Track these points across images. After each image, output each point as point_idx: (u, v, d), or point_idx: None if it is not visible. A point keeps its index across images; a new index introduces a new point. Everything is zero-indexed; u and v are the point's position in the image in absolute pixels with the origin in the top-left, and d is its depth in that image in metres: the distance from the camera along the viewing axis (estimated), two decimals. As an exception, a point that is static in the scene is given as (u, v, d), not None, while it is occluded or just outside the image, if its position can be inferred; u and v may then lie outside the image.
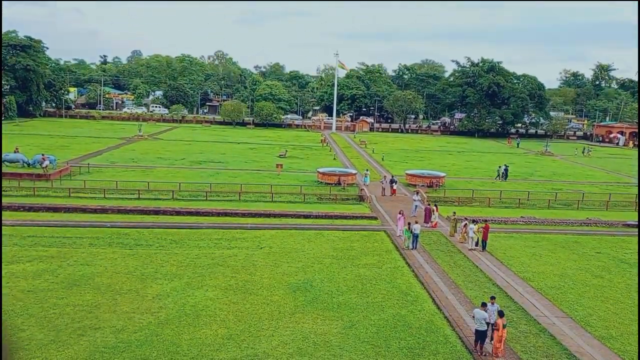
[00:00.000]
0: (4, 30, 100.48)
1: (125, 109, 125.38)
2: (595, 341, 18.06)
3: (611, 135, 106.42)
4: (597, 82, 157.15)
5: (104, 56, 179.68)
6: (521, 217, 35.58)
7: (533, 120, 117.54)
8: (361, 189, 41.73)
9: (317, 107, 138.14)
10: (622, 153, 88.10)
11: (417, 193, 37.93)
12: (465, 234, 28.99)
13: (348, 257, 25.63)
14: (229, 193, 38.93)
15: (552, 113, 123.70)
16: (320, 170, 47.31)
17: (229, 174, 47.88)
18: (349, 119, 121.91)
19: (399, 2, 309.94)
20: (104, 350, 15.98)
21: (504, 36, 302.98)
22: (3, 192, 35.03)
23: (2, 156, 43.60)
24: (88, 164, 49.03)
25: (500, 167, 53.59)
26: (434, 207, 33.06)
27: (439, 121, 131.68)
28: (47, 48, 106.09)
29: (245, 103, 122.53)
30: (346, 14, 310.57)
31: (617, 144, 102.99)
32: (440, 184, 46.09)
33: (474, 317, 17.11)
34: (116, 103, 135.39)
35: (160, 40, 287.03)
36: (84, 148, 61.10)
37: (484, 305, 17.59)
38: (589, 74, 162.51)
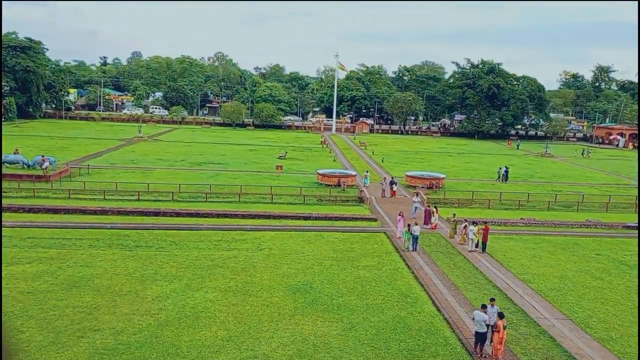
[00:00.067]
0: (4, 31, 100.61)
1: (125, 111, 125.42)
2: (595, 343, 18.05)
3: (611, 137, 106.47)
4: (597, 84, 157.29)
5: (104, 57, 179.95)
6: (521, 218, 35.58)
7: (533, 122, 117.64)
8: (361, 191, 41.73)
9: (317, 109, 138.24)
10: (621, 155, 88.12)
11: (417, 194, 37.93)
12: (465, 236, 28.99)
13: (348, 259, 25.62)
14: (228, 194, 38.93)
15: (552, 115, 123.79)
16: (320, 171, 47.32)
17: (229, 176, 47.88)
18: (349, 121, 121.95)
19: (399, 2, 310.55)
20: (104, 352, 15.97)
21: (504, 37, 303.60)
22: (3, 194, 35.03)
23: (2, 157, 43.58)
24: (88, 165, 49.03)
25: (500, 168, 53.61)
26: (434, 209, 33.06)
27: (438, 123, 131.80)
28: (47, 49, 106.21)
29: (245, 104, 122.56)
30: (346, 15, 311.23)
31: (617, 145, 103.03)
32: (440, 186, 46.10)
33: (473, 319, 17.10)
34: (116, 104, 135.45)
35: (160, 41, 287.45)
36: (83, 149, 61.11)
37: (483, 307, 17.58)
38: (588, 76, 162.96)
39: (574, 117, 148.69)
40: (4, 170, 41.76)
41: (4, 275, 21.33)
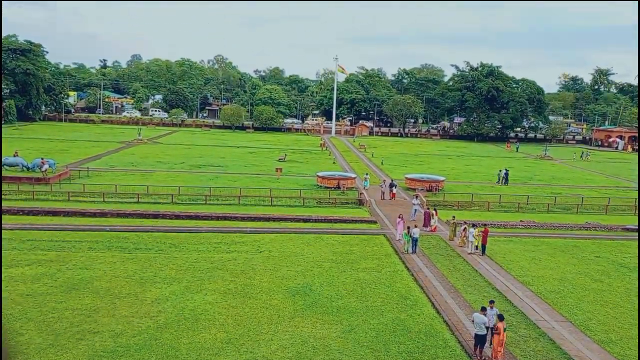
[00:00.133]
0: (3, 34, 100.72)
1: (124, 113, 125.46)
2: (595, 345, 18.04)
3: (610, 140, 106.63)
4: (596, 87, 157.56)
5: (104, 60, 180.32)
6: (520, 221, 35.59)
7: (532, 125, 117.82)
8: (360, 193, 41.74)
9: (317, 111, 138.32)
10: (621, 157, 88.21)
11: (417, 197, 37.94)
12: (464, 238, 28.98)
13: (347, 261, 25.61)
14: (228, 197, 38.93)
15: (551, 117, 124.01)
16: (320, 174, 47.32)
17: (229, 178, 47.88)
18: (349, 123, 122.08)
19: (399, 3, 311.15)
20: (103, 355, 15.95)
21: (503, 40, 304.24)
22: (2, 196, 35.01)
23: (2, 160, 43.58)
24: (87, 167, 49.03)
25: (500, 171, 53.64)
26: (434, 211, 33.06)
27: (438, 125, 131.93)
28: (47, 52, 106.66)
29: (245, 107, 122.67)
30: (346, 16, 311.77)
31: (616, 148, 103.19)
32: (440, 188, 46.12)
33: (473, 321, 17.09)
34: (116, 107, 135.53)
35: (160, 44, 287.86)
36: (83, 152, 61.12)
37: (483, 309, 17.57)
38: (588, 79, 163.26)
39: (573, 120, 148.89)
40: (4, 173, 41.74)
41: (3, 277, 21.29)
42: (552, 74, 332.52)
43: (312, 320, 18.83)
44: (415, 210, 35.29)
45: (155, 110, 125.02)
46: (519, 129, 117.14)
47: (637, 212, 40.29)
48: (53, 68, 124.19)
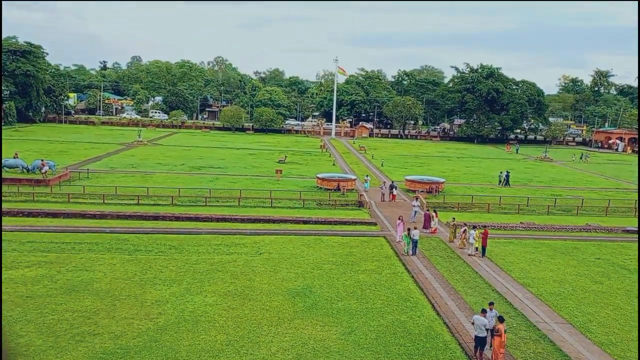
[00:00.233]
0: (3, 35, 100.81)
1: (124, 115, 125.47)
2: (595, 347, 18.03)
3: (610, 141, 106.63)
4: (596, 88, 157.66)
5: (104, 62, 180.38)
6: (520, 222, 35.58)
7: (532, 126, 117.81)
8: (360, 195, 41.74)
9: (317, 113, 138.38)
10: (621, 159, 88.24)
11: (417, 199, 37.94)
12: (464, 240, 28.98)
13: (347, 263, 25.60)
14: (228, 199, 38.92)
15: (551, 119, 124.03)
16: (320, 175, 47.34)
17: (228, 180, 47.88)
18: (349, 125, 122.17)
19: (398, 4, 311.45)
20: (103, 356, 15.94)
21: (503, 42, 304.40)
22: (2, 198, 35.00)
23: (2, 161, 43.59)
24: (87, 169, 49.04)
25: (501, 172, 53.67)
26: (434, 213, 33.06)
27: (438, 127, 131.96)
28: (47, 53, 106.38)
29: (245, 109, 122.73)
30: (346, 19, 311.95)
31: (616, 149, 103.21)
32: (440, 190, 46.11)
33: (473, 323, 17.07)
34: (116, 109, 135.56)
35: (160, 46, 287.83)
36: (83, 154, 61.13)
37: (483, 311, 17.56)
38: (588, 80, 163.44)
39: (573, 122, 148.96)
40: (4, 175, 41.76)
41: (3, 279, 21.28)
42: (552, 75, 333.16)
43: (312, 322, 18.82)
44: (415, 212, 35.29)
45: (155, 112, 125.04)
46: (519, 130, 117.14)
47: (637, 213, 40.28)
48: (53, 69, 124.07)
